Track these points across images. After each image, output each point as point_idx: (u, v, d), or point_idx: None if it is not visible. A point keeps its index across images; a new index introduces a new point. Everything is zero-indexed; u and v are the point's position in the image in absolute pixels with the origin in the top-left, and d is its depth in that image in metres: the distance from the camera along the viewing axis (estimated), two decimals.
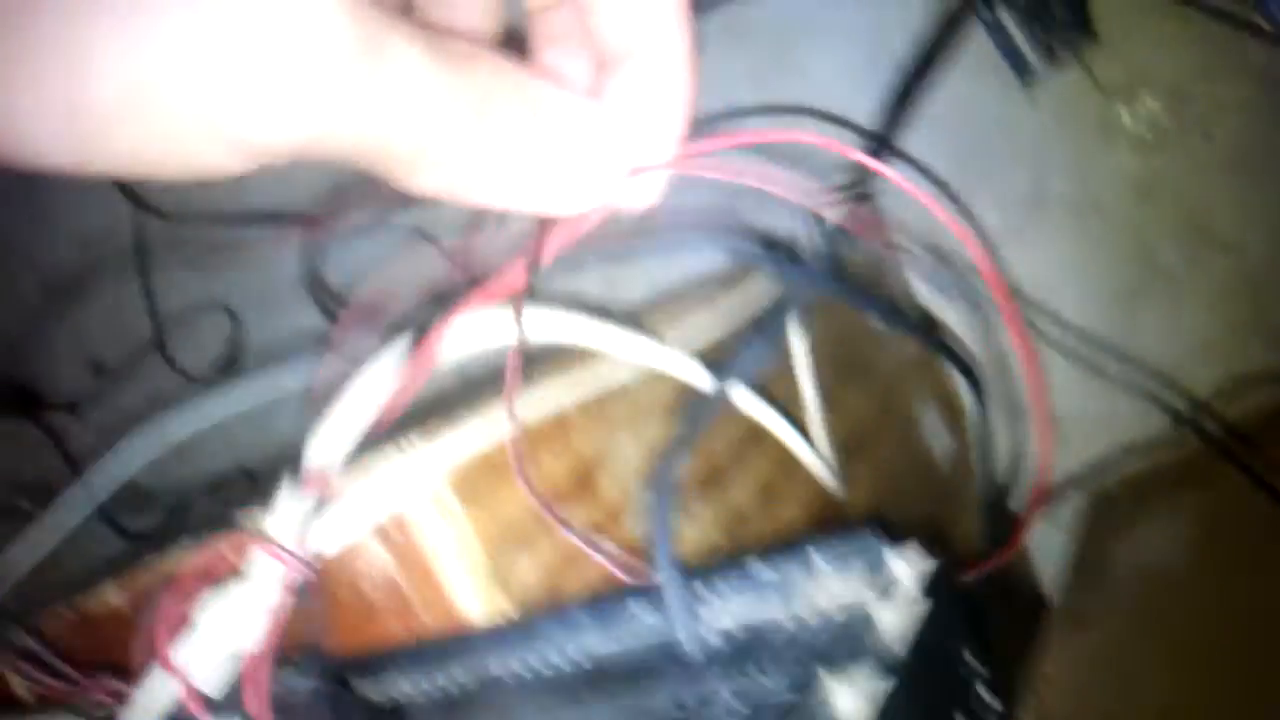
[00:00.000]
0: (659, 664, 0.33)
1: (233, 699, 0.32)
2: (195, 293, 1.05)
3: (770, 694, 0.28)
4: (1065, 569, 0.68)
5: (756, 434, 0.52)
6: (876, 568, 0.30)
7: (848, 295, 0.40)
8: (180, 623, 0.29)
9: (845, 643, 0.28)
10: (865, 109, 0.79)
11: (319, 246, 0.84)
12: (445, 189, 0.27)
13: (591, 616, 0.35)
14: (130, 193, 0.93)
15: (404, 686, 0.37)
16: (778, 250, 0.41)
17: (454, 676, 0.37)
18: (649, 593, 0.34)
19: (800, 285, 0.39)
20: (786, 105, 0.80)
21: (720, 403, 0.37)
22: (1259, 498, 0.55)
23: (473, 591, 0.39)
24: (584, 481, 0.45)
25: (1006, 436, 0.68)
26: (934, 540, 0.31)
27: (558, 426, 0.44)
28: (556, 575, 0.42)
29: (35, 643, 0.34)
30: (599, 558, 0.34)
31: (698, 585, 0.33)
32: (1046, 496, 0.68)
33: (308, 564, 0.28)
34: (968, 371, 0.40)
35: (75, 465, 1.00)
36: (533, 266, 0.31)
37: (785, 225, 0.51)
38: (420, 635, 0.39)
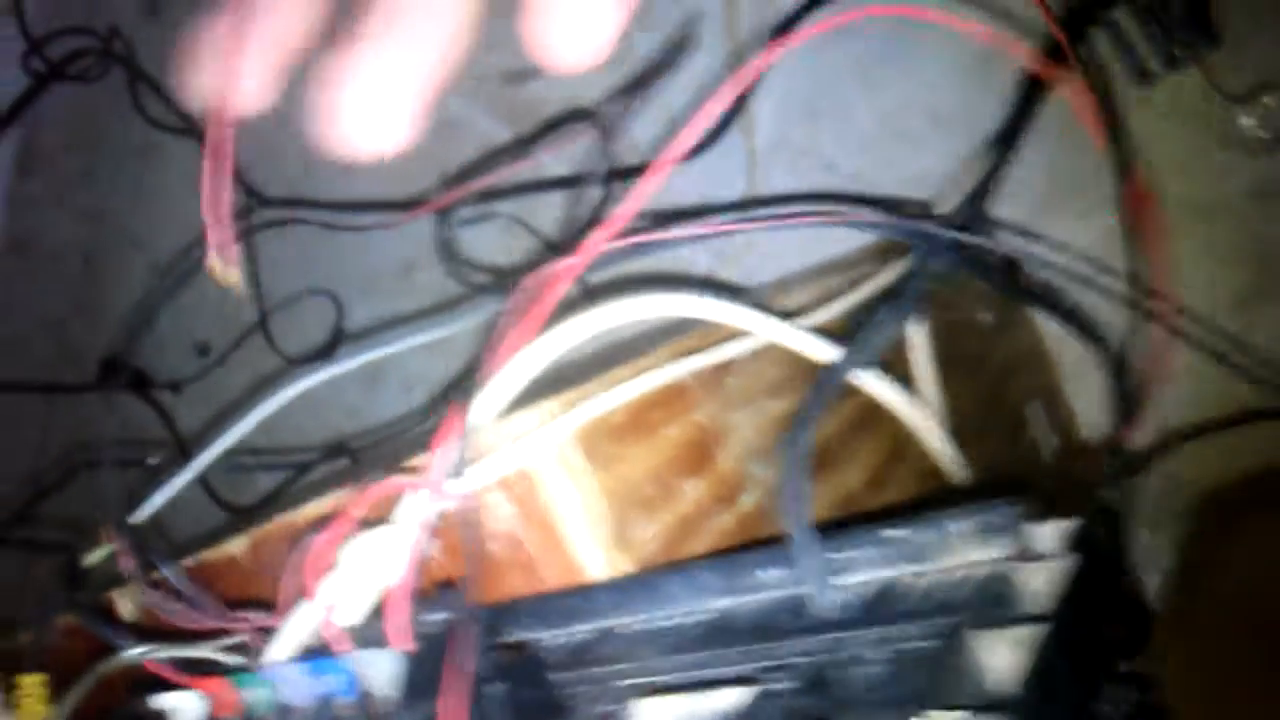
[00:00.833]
0: (785, 619, 0.33)
1: (373, 631, 0.33)
2: (299, 278, 1.08)
3: (908, 644, 0.28)
4: (1172, 573, 0.67)
5: (867, 417, 0.52)
6: (1014, 531, 0.30)
7: (982, 268, 0.40)
8: (325, 564, 0.30)
9: (986, 599, 0.28)
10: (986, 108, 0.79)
11: (450, 219, 0.85)
12: None
13: (716, 573, 0.35)
14: (240, 179, 0.96)
15: (529, 634, 0.37)
16: (910, 220, 0.41)
17: (577, 628, 0.37)
18: (776, 552, 0.34)
19: (932, 255, 0.38)
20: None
21: (848, 376, 0.37)
22: None
23: (594, 550, 0.39)
24: (703, 454, 0.45)
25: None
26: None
27: (677, 395, 0.45)
28: (675, 542, 0.42)
29: (184, 579, 0.35)
30: None
31: (828, 548, 0.33)
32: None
33: (457, 501, 0.29)
34: (1099, 343, 0.39)
35: (181, 442, 1.03)
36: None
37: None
38: (540, 591, 0.39)
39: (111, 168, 1.18)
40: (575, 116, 0.84)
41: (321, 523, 0.43)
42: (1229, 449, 0.72)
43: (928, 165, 0.84)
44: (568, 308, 0.41)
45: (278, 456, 0.95)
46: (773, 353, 0.49)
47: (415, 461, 0.38)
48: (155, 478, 0.44)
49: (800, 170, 0.90)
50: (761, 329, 0.37)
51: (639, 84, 0.82)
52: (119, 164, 1.14)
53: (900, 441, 0.55)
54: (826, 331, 0.39)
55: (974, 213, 0.43)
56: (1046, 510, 0.31)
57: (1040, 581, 0.28)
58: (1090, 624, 0.28)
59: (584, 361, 0.47)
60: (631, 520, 0.41)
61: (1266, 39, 0.72)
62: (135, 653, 0.34)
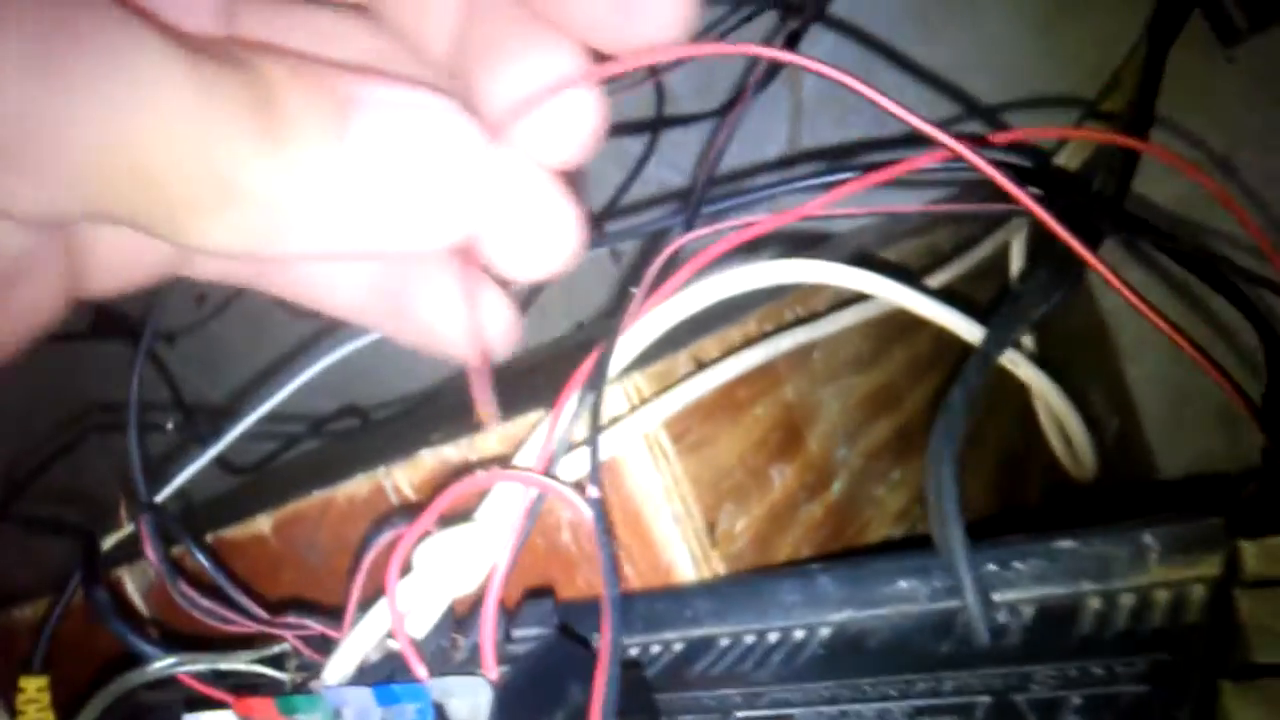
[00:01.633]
0: (929, 641, 0.28)
1: (444, 650, 0.28)
2: None
3: (1105, 688, 0.23)
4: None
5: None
6: (1224, 547, 0.25)
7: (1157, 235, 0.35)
8: (398, 565, 0.25)
9: (1197, 635, 0.23)
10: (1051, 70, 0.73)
11: None
12: (250, 241, 0.21)
13: (837, 581, 0.30)
14: None
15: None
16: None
17: (669, 636, 0.32)
18: (915, 559, 0.30)
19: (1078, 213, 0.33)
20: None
21: (995, 358, 0.32)
22: None
23: (682, 545, 0.34)
24: (792, 436, 0.40)
25: None
26: None
27: (763, 370, 0.39)
28: (766, 535, 0.37)
29: (222, 576, 0.30)
30: None
31: (986, 558, 0.28)
32: None
33: (584, 494, 0.24)
34: (1255, 316, 0.34)
35: (177, 392, 0.97)
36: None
37: None
38: (625, 591, 0.35)
39: None
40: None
41: (365, 506, 0.38)
42: None
43: (983, 127, 0.79)
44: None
45: (283, 422, 0.90)
46: (857, 325, 0.44)
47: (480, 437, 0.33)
48: (174, 444, 0.38)
49: (848, 126, 0.84)
50: (904, 300, 0.32)
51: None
52: None
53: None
54: (957, 300, 0.34)
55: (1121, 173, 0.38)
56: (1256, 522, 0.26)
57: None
58: None
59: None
60: (723, 510, 0.36)
61: None
62: (163, 665, 0.29)
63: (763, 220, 0.30)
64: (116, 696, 0.29)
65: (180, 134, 0.19)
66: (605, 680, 0.21)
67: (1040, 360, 0.42)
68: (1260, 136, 0.73)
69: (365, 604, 0.27)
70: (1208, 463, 0.75)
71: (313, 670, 0.28)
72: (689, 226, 0.31)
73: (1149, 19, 0.54)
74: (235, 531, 0.43)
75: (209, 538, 0.42)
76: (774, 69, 0.76)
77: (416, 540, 0.26)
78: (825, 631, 0.30)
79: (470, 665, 0.25)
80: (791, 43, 0.75)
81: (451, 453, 0.36)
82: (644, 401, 0.34)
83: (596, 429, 0.26)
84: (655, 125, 0.86)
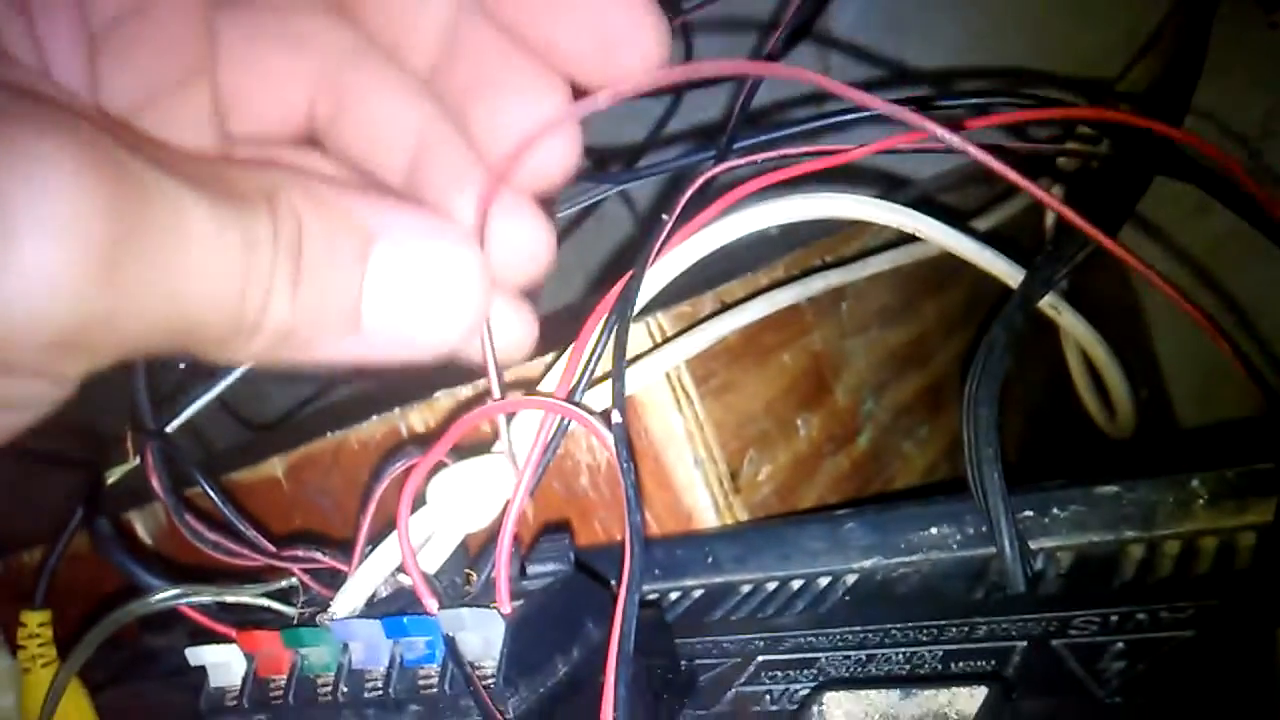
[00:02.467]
0: (960, 588, 0.27)
1: (456, 584, 0.27)
2: None
3: (1149, 633, 0.22)
4: None
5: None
6: (1274, 497, 0.24)
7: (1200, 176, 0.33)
8: (410, 495, 0.24)
9: (1247, 581, 0.22)
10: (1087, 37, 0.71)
11: None
12: (272, 356, 0.22)
13: (866, 527, 0.29)
14: None
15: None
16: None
17: (689, 583, 0.31)
18: (946, 505, 0.28)
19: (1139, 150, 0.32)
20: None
21: (1038, 298, 0.30)
22: None
23: (704, 491, 0.33)
24: (819, 385, 0.39)
25: None
26: None
27: (791, 318, 0.38)
28: (790, 485, 0.36)
29: (228, 507, 0.29)
30: None
31: (1024, 504, 0.27)
32: None
33: (606, 420, 0.23)
34: None
35: None
36: None
37: None
38: (646, 537, 0.34)
39: None
40: None
41: (379, 450, 0.37)
42: None
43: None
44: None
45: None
46: (887, 277, 0.42)
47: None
48: (185, 383, 0.37)
49: (876, 88, 0.83)
50: (942, 238, 0.31)
51: None
52: None
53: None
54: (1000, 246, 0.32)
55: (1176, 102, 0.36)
56: None
57: None
58: None
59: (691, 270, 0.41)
60: (746, 455, 0.35)
61: None
62: (165, 596, 0.28)
63: (799, 152, 0.28)
64: (119, 625, 0.28)
65: (209, 283, 0.19)
66: (625, 609, 0.20)
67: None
68: None
69: (376, 537, 0.26)
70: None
71: (321, 605, 0.27)
72: (722, 159, 0.30)
73: None
74: (248, 474, 0.42)
75: (221, 481, 0.42)
76: (802, 29, 0.74)
77: (430, 472, 0.25)
78: (851, 578, 0.29)
79: (483, 600, 0.24)
80: (819, 7, 0.74)
81: (467, 393, 0.35)
82: (666, 340, 0.32)
83: (622, 355, 0.24)
84: (678, 87, 0.84)
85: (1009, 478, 0.27)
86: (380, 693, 0.24)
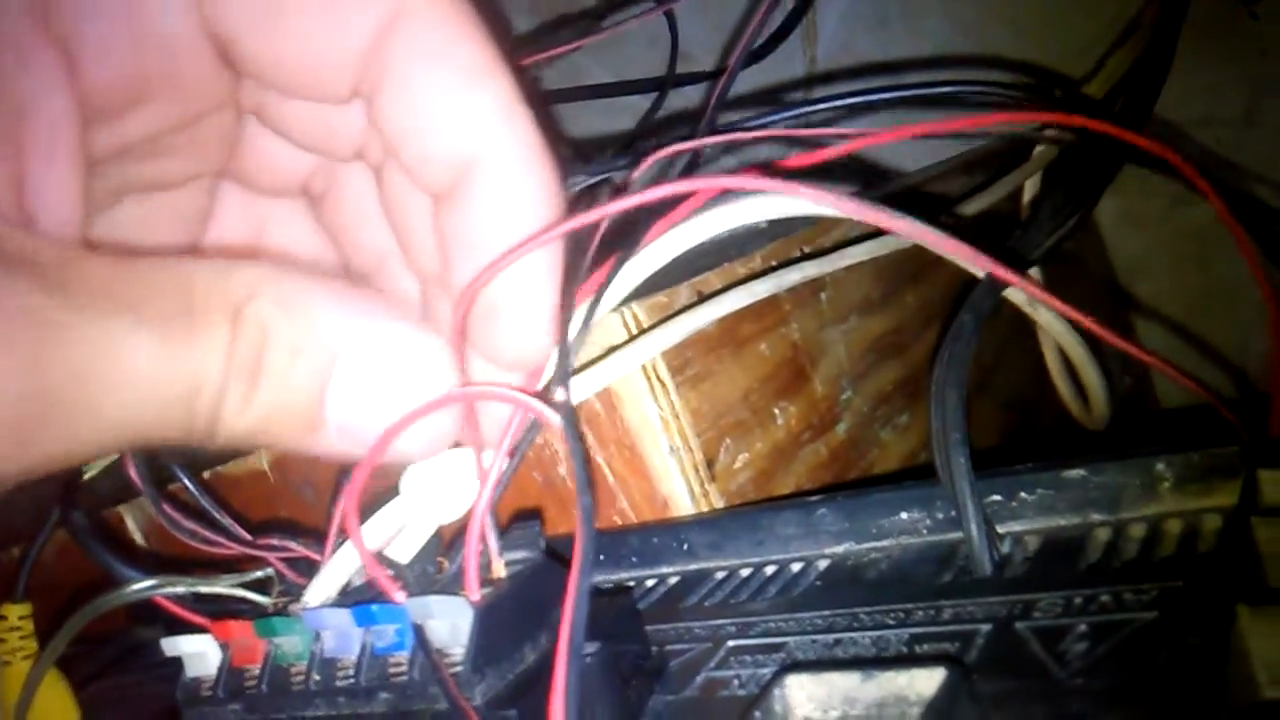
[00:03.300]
0: (929, 572, 0.27)
1: (426, 573, 0.27)
2: None
3: (1112, 615, 0.22)
4: None
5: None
6: (1242, 476, 0.24)
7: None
8: (355, 490, 0.24)
9: (1211, 563, 0.22)
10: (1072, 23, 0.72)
11: None
12: (244, 446, 0.23)
13: (838, 513, 0.30)
14: None
15: (609, 574, 0.32)
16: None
17: (664, 570, 0.31)
18: (915, 491, 0.29)
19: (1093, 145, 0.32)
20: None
21: (1000, 293, 0.30)
22: None
23: (681, 479, 0.33)
24: (796, 374, 0.39)
25: None
26: None
27: (769, 308, 0.38)
28: (768, 473, 0.36)
29: (205, 498, 0.29)
30: None
31: (992, 488, 0.27)
32: None
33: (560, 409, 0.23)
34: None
35: None
36: None
37: None
38: (622, 522, 0.34)
39: None
40: None
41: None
42: None
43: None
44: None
45: None
46: (866, 267, 0.43)
47: None
48: None
49: (865, 80, 0.83)
50: (915, 234, 0.31)
51: None
52: None
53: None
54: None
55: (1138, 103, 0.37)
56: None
57: None
58: None
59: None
60: (723, 444, 0.35)
61: None
62: (141, 587, 0.28)
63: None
64: (94, 616, 0.28)
65: (153, 405, 0.20)
66: (575, 599, 0.20)
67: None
68: None
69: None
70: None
71: (296, 595, 0.27)
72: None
73: None
74: (234, 467, 0.42)
75: (207, 475, 0.42)
76: (790, 25, 0.74)
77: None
78: (824, 564, 0.29)
79: (452, 589, 0.24)
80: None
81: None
82: (643, 332, 0.33)
83: (565, 329, 0.24)
84: (665, 82, 0.84)
85: (981, 463, 0.27)
86: (351, 681, 0.24)
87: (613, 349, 0.32)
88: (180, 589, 0.28)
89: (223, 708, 0.26)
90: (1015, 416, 0.52)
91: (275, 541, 0.28)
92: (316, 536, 0.29)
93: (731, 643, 0.26)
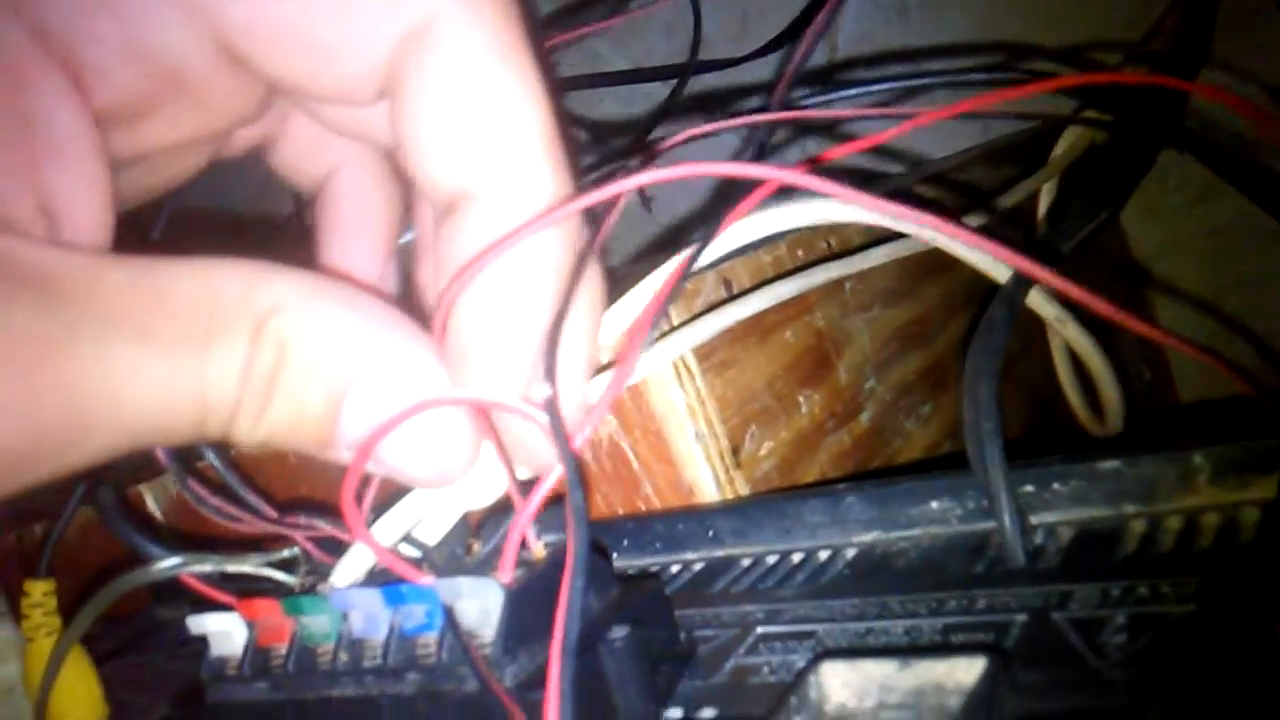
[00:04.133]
0: (961, 563, 0.27)
1: (454, 555, 0.27)
2: None
3: (1148, 607, 0.22)
4: None
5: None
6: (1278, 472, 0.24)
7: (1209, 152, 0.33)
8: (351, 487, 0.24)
9: (1250, 556, 0.22)
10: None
11: None
12: (269, 445, 0.23)
13: (866, 502, 0.29)
14: None
15: (634, 560, 0.32)
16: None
17: (689, 556, 0.31)
18: (947, 480, 0.28)
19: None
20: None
21: (1030, 286, 0.30)
22: None
23: (706, 466, 0.33)
24: (821, 363, 0.39)
25: None
26: None
27: (797, 299, 0.38)
28: (792, 461, 0.36)
29: (232, 474, 0.29)
30: None
31: (1025, 479, 0.27)
32: None
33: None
34: None
35: None
36: None
37: None
38: (647, 509, 0.34)
39: None
40: None
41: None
42: None
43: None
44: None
45: None
46: (884, 256, 0.42)
47: None
48: None
49: (885, 68, 0.82)
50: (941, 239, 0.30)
51: None
52: None
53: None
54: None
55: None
56: None
57: None
58: None
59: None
60: (748, 432, 0.35)
61: None
62: (167, 565, 0.28)
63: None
64: (120, 593, 0.28)
65: (160, 415, 0.20)
66: (569, 595, 0.20)
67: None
68: None
69: (378, 506, 0.26)
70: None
71: (323, 574, 0.27)
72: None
73: None
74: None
75: (232, 452, 0.41)
76: (810, 13, 0.74)
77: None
78: (851, 552, 0.29)
79: (482, 570, 0.24)
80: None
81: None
82: (672, 329, 0.32)
83: (560, 317, 0.24)
84: (685, 69, 0.84)
85: (1010, 454, 0.27)
86: (379, 662, 0.24)
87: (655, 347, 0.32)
88: (207, 567, 0.28)
89: (248, 686, 0.26)
90: (1037, 408, 0.52)
91: (302, 520, 0.28)
92: (340, 514, 0.29)
93: (760, 629, 0.26)
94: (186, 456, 0.30)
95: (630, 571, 0.32)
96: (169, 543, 0.30)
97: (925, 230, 0.31)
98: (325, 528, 0.28)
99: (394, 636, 0.24)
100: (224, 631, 0.26)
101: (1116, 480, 0.26)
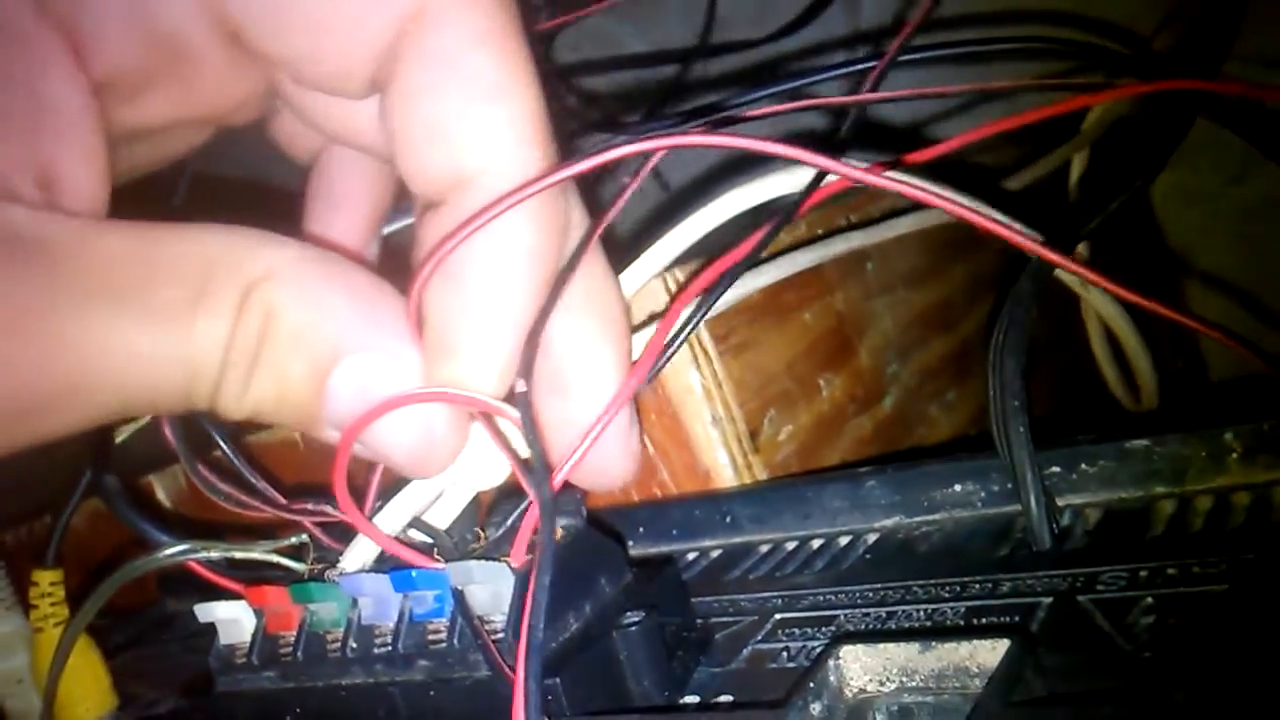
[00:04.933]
0: (985, 546, 0.26)
1: (469, 538, 0.26)
2: None
3: (1179, 585, 0.21)
4: None
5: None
6: None
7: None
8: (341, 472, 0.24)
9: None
10: None
11: None
12: (257, 419, 0.22)
13: (888, 486, 0.29)
14: None
15: (652, 547, 0.31)
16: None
17: (707, 543, 0.31)
18: (970, 464, 0.28)
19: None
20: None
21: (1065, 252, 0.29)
22: None
23: (723, 451, 0.33)
24: (842, 346, 0.38)
25: None
26: None
27: (813, 277, 0.37)
28: (812, 445, 0.36)
29: (240, 460, 0.29)
30: None
31: (1050, 460, 0.26)
32: None
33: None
34: None
35: None
36: None
37: None
38: (663, 495, 0.33)
39: None
40: None
41: None
42: None
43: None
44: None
45: None
46: (914, 237, 0.41)
47: None
48: None
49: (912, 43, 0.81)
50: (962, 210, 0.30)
51: None
52: None
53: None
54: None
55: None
56: None
57: None
58: None
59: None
60: (765, 418, 0.34)
61: None
62: (174, 552, 0.27)
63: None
64: (127, 580, 0.28)
65: (149, 380, 0.20)
66: (535, 593, 0.19)
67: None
68: None
69: (386, 492, 0.26)
70: None
71: (331, 560, 0.26)
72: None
73: None
74: (266, 436, 0.42)
75: (239, 443, 0.41)
76: None
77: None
78: (873, 537, 0.28)
79: (493, 555, 0.24)
80: None
81: None
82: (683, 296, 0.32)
83: (547, 309, 0.23)
84: (699, 51, 0.83)
85: (1036, 435, 0.26)
86: (389, 648, 0.24)
87: (654, 316, 0.31)
88: (214, 554, 0.27)
89: (257, 675, 0.25)
90: (1063, 392, 0.51)
91: (310, 506, 0.27)
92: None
93: (779, 615, 0.26)
94: (198, 444, 0.30)
95: (646, 558, 0.31)
96: (177, 531, 0.30)
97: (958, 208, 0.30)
98: (334, 513, 0.27)
99: (404, 622, 0.24)
100: (232, 619, 0.26)
101: (1145, 460, 0.25)
